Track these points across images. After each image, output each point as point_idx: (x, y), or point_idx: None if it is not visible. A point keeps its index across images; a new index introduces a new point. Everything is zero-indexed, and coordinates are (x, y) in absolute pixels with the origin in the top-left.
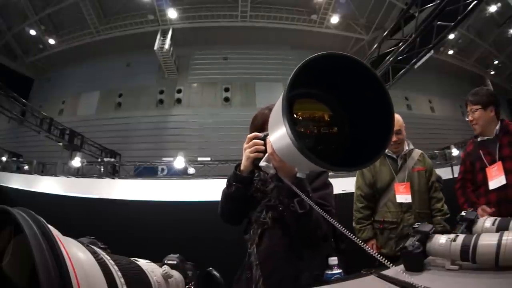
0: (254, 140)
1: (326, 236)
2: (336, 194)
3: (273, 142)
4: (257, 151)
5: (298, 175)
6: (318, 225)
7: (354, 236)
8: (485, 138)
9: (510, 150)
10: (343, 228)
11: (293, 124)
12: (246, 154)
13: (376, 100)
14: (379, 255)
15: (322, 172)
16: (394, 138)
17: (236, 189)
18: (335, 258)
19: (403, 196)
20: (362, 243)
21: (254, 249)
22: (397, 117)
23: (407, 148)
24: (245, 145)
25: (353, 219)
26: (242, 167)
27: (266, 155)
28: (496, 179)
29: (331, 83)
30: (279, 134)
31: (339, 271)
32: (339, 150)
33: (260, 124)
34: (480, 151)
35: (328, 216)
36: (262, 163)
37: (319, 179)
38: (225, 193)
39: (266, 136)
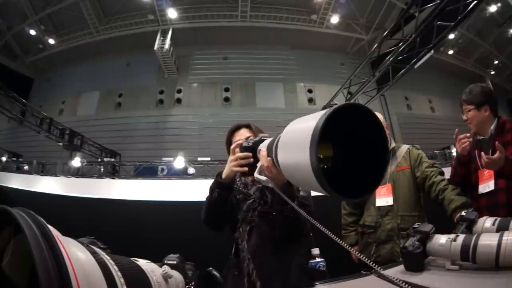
0: (239, 155)
1: (308, 232)
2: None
3: (283, 163)
4: (241, 165)
5: (301, 193)
6: (303, 223)
7: (338, 239)
8: (481, 137)
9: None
10: (328, 232)
11: (318, 159)
12: (230, 167)
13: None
14: (364, 257)
15: None
16: None
17: (219, 195)
18: (317, 248)
19: (384, 199)
20: (344, 243)
21: (245, 245)
22: (379, 115)
23: (392, 145)
24: (230, 158)
25: None
26: (224, 175)
27: (259, 166)
28: (485, 183)
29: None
30: (297, 160)
31: (321, 259)
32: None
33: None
34: (476, 151)
35: (321, 226)
36: (258, 176)
37: None
38: (209, 200)
39: (255, 143)
